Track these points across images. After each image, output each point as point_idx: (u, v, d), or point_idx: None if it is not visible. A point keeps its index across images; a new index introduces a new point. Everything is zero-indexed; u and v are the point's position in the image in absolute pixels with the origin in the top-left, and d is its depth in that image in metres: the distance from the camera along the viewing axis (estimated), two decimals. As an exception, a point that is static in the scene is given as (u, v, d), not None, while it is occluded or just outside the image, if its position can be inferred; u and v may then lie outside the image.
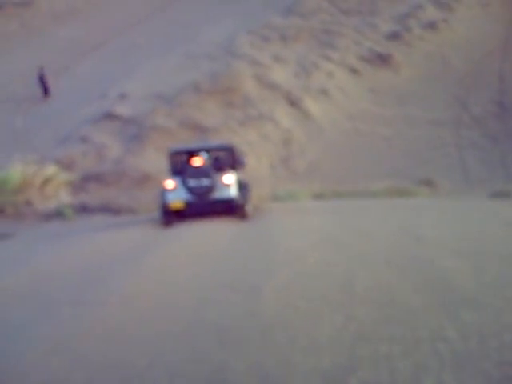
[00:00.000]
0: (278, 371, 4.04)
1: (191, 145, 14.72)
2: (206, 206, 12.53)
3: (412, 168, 18.82)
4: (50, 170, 16.53)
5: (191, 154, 13.11)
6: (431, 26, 28.89)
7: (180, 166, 13.05)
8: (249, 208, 12.83)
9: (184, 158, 13.26)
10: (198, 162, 12.62)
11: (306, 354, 4.25)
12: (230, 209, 12.59)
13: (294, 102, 22.97)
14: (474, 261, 6.86)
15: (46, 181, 16.20)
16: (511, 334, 4.23)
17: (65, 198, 16.07)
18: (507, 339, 4.15)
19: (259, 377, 4.00)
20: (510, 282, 5.82)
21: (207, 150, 13.35)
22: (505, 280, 5.89)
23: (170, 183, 12.60)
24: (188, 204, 12.51)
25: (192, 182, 12.46)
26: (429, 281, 6.02)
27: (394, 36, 28.09)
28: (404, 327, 4.61)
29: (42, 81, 26.64)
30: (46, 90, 26.82)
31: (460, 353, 3.99)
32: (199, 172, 12.45)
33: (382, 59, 26.58)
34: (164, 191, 12.63)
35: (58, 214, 14.97)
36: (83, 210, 15.61)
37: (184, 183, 12.51)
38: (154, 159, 18.82)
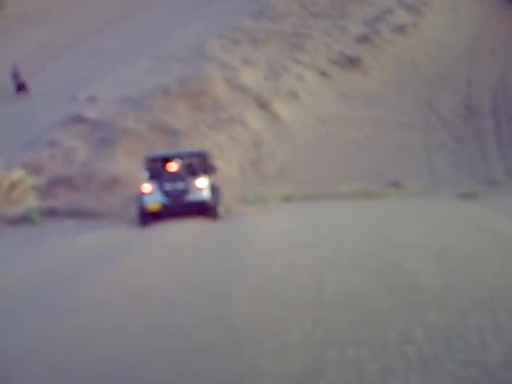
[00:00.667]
0: (246, 374, 4.03)
1: (166, 151, 15.75)
2: (180, 208, 13.30)
3: (382, 170, 18.92)
4: (17, 174, 16.26)
5: (167, 160, 13.91)
6: (401, 29, 29.10)
7: (156, 171, 13.75)
8: (220, 210, 13.68)
9: (160, 163, 14.00)
10: (173, 167, 13.52)
11: (275, 358, 4.25)
12: (202, 210, 13.37)
13: (263, 105, 22.90)
14: (441, 263, 6.93)
15: (13, 185, 15.97)
16: (476, 335, 4.27)
17: (32, 202, 15.78)
18: (472, 340, 4.19)
19: (227, 380, 3.98)
20: (475, 283, 5.88)
21: (181, 157, 14.30)
22: (471, 282, 5.96)
23: (147, 187, 13.36)
24: (164, 206, 13.28)
25: (168, 186, 13.31)
26: (397, 283, 6.06)
27: (363, 39, 28.21)
28: (371, 330, 4.62)
29: (15, 78, 26.65)
30: (20, 87, 26.83)
31: (426, 354, 4.01)
32: (174, 176, 13.38)
33: (352, 62, 26.67)
34: (141, 195, 13.37)
35: (25, 219, 14.75)
36: (51, 214, 15.38)
37: (160, 187, 13.30)
38: (123, 163, 18.66)
